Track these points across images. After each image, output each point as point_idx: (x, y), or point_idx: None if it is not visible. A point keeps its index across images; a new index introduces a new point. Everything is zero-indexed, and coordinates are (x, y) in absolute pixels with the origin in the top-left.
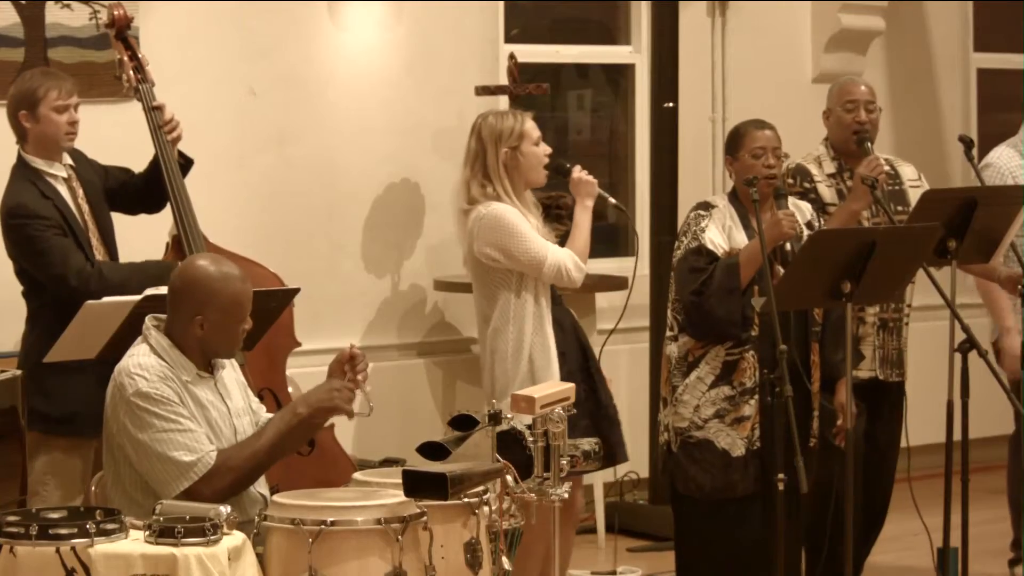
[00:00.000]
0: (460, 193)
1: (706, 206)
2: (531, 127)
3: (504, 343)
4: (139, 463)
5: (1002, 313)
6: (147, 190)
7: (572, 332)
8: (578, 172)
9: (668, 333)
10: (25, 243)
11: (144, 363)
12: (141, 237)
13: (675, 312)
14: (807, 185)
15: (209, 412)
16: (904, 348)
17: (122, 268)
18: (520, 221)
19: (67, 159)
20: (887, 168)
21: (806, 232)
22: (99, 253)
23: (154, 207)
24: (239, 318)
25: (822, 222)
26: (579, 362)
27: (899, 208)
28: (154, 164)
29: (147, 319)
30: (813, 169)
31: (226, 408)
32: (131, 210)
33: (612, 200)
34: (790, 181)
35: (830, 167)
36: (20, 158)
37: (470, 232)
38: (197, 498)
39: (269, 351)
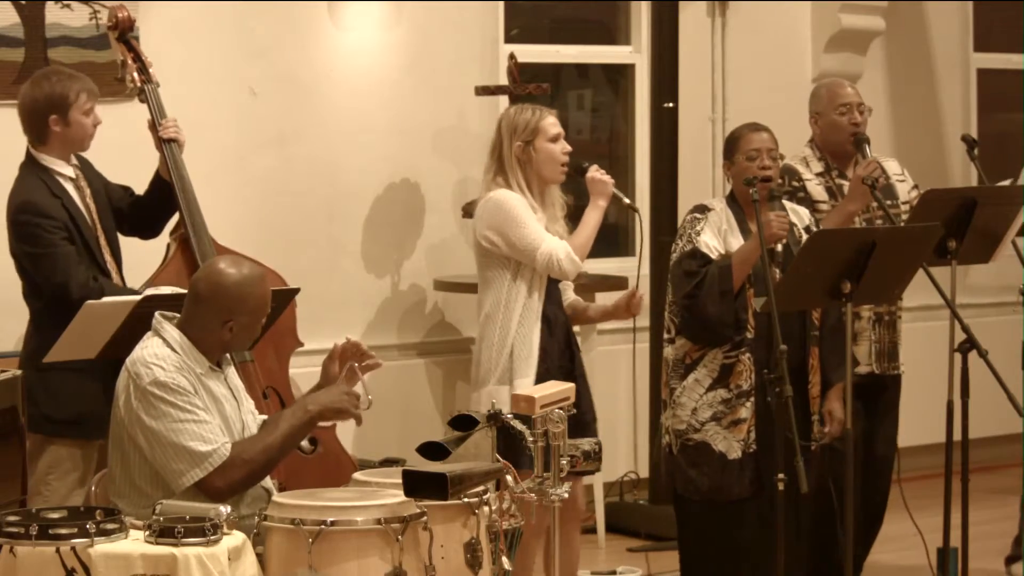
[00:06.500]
0: (482, 182)
1: (702, 209)
2: (549, 124)
3: (492, 331)
4: (152, 453)
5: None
6: (146, 212)
7: (562, 332)
8: (594, 171)
9: (665, 336)
10: (31, 242)
11: (160, 353)
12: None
13: (672, 315)
14: (796, 184)
15: (223, 406)
16: (899, 341)
17: (124, 292)
18: (522, 208)
19: (74, 159)
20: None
21: (805, 237)
22: (106, 253)
23: (148, 231)
24: (264, 315)
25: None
26: (561, 364)
27: (889, 202)
28: (153, 184)
29: (156, 314)
30: (801, 168)
31: (237, 404)
32: (123, 229)
33: (626, 200)
34: (779, 181)
35: (817, 167)
36: (29, 155)
37: (475, 215)
38: (209, 490)
39: (276, 351)
